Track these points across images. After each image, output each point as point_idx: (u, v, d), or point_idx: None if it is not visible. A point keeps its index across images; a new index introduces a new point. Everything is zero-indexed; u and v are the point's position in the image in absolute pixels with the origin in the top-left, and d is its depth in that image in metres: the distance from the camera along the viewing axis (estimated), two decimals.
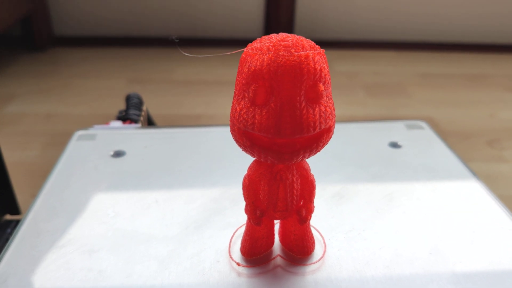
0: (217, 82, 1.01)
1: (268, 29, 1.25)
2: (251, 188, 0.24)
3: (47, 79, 1.03)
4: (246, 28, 1.26)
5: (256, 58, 0.20)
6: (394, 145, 0.39)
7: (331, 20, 1.27)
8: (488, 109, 0.97)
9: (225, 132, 0.41)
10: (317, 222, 0.29)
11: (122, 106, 0.57)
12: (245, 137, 0.22)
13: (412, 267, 0.26)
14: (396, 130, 0.41)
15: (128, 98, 0.50)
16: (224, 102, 0.93)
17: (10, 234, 0.39)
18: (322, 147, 0.22)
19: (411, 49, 1.28)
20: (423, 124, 0.42)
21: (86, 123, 0.83)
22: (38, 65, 1.10)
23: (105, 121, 0.80)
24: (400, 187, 0.33)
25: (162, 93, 0.96)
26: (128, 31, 1.24)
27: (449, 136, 0.86)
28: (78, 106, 0.90)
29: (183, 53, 0.23)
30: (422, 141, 0.39)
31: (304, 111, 0.20)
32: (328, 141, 0.22)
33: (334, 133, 0.22)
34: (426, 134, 0.41)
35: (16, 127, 0.82)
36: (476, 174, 0.35)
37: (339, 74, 1.11)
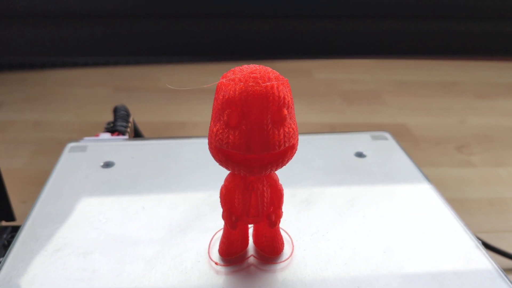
0: (200, 90, 1.05)
1: None
2: (227, 197, 0.28)
3: (34, 86, 1.05)
4: None
5: (229, 87, 0.24)
6: (360, 154, 0.43)
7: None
8: (458, 116, 1.03)
9: (206, 144, 0.45)
10: (286, 225, 0.32)
11: (108, 113, 0.60)
12: (220, 154, 0.25)
13: (367, 264, 0.30)
14: (362, 140, 0.45)
15: (115, 110, 0.53)
16: (207, 110, 0.96)
17: (6, 239, 0.42)
18: (287, 161, 0.26)
19: (387, 57, 1.33)
20: (387, 135, 0.46)
21: (74, 131, 0.86)
22: (25, 71, 1.12)
23: (92, 128, 0.83)
24: (362, 193, 0.37)
25: (147, 101, 0.99)
26: None
27: (421, 142, 0.91)
28: (65, 114, 0.92)
29: (168, 86, 0.27)
30: (385, 151, 0.43)
31: (270, 132, 0.24)
32: (292, 156, 0.26)
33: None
34: (389, 144, 0.45)
35: (4, 134, 0.84)
36: (445, 178, 0.39)
37: (317, 82, 1.15)
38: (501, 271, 0.30)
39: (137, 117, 0.64)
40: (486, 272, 0.29)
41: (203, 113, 0.94)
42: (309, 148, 0.43)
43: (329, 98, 1.07)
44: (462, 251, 0.31)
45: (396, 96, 1.11)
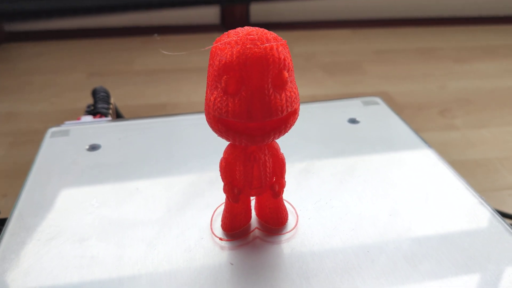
0: (177, 70, 1.02)
1: (224, 14, 1.26)
2: (228, 170, 0.27)
3: (3, 77, 1.00)
4: (202, 14, 1.27)
5: (225, 51, 0.22)
6: (353, 121, 0.42)
7: (286, 2, 1.30)
8: (438, 81, 1.03)
9: (195, 120, 0.43)
10: (288, 195, 0.31)
11: (84, 100, 0.57)
12: (220, 124, 0.24)
13: (374, 228, 0.29)
14: (353, 107, 0.44)
15: (94, 92, 0.51)
16: (186, 90, 0.94)
17: None
18: (290, 127, 0.25)
19: (365, 27, 1.33)
20: (378, 100, 0.45)
21: (49, 120, 0.83)
22: None
23: (70, 116, 0.80)
24: (361, 159, 0.36)
25: (124, 85, 0.96)
26: (83, 22, 1.22)
27: (404, 108, 0.91)
28: (39, 103, 0.89)
29: (163, 51, 0.25)
30: (378, 115, 0.43)
31: (272, 97, 0.23)
32: (294, 122, 0.25)
33: None
34: (381, 109, 0.44)
35: None
36: (430, 142, 0.39)
37: (296, 55, 1.14)
38: (508, 225, 0.29)
39: (115, 101, 0.61)
40: (493, 227, 0.29)
41: (183, 93, 0.92)
42: (301, 118, 0.42)
43: (309, 71, 1.06)
44: (467, 209, 0.31)
45: (376, 65, 1.10)
